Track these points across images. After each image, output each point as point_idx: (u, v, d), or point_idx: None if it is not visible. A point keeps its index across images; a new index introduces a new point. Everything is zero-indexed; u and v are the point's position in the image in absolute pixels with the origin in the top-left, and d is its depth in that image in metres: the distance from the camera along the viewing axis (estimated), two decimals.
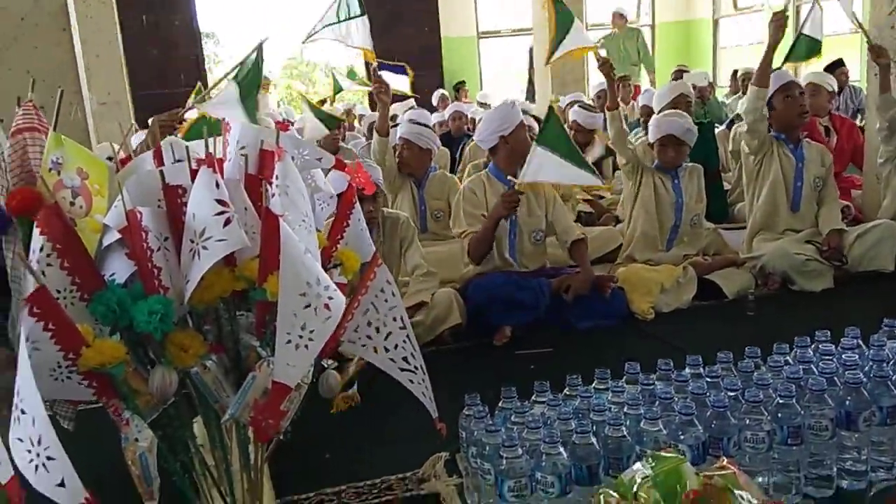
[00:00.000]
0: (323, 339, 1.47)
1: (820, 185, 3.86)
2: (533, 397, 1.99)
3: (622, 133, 3.74)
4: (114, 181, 1.57)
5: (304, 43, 4.54)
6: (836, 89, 5.34)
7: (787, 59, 4.41)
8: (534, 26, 8.79)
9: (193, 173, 1.57)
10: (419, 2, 11.20)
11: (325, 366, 1.79)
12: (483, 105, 8.84)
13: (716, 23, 11.62)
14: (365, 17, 4.26)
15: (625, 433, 1.72)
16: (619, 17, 9.82)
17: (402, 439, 2.38)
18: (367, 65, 5.44)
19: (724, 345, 2.13)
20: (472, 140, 5.42)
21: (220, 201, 1.48)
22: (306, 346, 1.44)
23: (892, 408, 1.83)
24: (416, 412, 1.80)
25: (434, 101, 9.54)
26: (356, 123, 8.22)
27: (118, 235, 1.51)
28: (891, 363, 1.93)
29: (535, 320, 3.32)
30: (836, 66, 7.26)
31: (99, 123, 5.87)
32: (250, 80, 3.41)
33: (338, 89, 7.42)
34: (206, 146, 1.63)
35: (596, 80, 8.83)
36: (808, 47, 4.40)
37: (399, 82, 6.18)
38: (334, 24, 4.31)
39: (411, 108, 7.46)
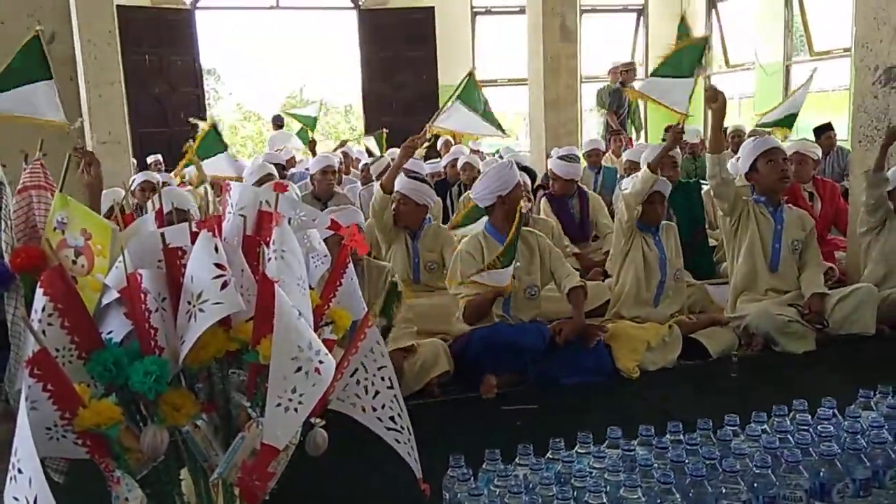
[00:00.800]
0: (312, 403, 1.52)
1: (799, 248, 3.94)
2: (516, 460, 2.02)
3: (642, 195, 3.82)
4: (116, 243, 1.63)
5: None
6: (821, 156, 5.49)
7: (763, 124, 4.50)
8: (529, 77, 8.98)
9: (194, 236, 1.63)
10: (418, 50, 11.44)
11: (313, 423, 1.83)
12: (475, 152, 8.98)
13: (708, 78, 11.88)
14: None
15: (605, 500, 1.75)
16: (615, 70, 10.03)
17: (387, 496, 2.40)
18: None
19: (707, 407, 2.18)
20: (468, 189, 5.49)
21: (218, 265, 1.54)
22: (296, 410, 1.49)
23: (865, 480, 1.87)
24: (402, 469, 1.83)
25: (438, 146, 9.73)
26: (352, 167, 8.31)
27: (117, 294, 1.56)
28: (865, 434, 1.98)
29: (534, 362, 3.38)
30: (825, 130, 7.42)
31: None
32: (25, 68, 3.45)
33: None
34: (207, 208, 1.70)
35: (587, 136, 9.05)
36: (784, 118, 4.51)
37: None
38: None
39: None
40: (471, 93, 4.50)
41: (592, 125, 13.19)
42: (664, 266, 3.86)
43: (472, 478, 1.93)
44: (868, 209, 4.06)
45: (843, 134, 7.94)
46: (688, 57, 4.06)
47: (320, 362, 1.51)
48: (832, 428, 1.99)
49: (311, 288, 1.82)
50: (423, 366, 3.31)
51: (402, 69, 11.58)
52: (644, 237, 3.88)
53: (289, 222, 1.85)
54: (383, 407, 1.85)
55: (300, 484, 1.98)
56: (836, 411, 2.13)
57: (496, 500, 1.75)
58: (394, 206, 4.25)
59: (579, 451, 2.05)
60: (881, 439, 1.93)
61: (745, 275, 3.94)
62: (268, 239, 1.67)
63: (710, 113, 3.93)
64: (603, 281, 4.52)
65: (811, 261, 3.95)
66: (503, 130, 4.35)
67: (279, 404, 1.47)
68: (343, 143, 9.83)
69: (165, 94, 10.67)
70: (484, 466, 2.00)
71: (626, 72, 9.54)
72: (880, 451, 1.92)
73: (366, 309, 2.01)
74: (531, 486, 1.87)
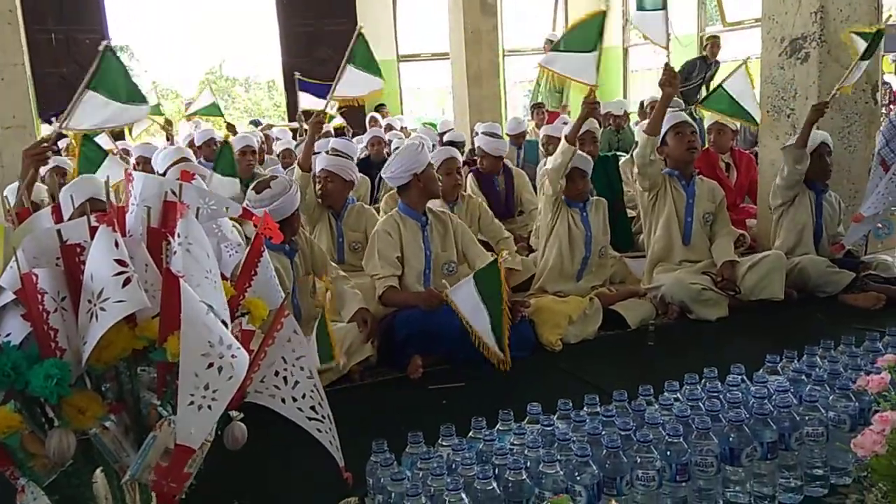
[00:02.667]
0: (227, 398, 1.48)
1: (710, 220, 4.10)
2: (439, 441, 2.04)
3: (562, 168, 3.85)
4: (9, 241, 1.55)
5: None
6: (739, 127, 5.69)
7: (702, 104, 4.58)
8: (451, 52, 8.95)
9: (93, 231, 1.56)
10: (339, 25, 11.20)
11: (232, 416, 1.80)
12: (401, 129, 8.98)
13: (626, 51, 12.09)
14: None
15: (524, 476, 1.79)
16: (550, 43, 10.10)
17: (312, 484, 2.38)
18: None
19: (627, 375, 2.23)
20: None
21: (119, 261, 1.48)
22: (209, 407, 1.45)
23: (771, 443, 1.96)
24: (325, 457, 1.82)
25: (366, 123, 9.69)
26: (273, 147, 8.14)
27: (13, 296, 1.49)
28: (771, 399, 2.07)
29: (459, 344, 3.35)
30: None
31: (3, 149, 5.68)
32: (114, 82, 3.48)
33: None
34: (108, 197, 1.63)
35: (511, 112, 9.10)
36: (731, 107, 4.60)
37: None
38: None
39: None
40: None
41: (518, 98, 13.26)
42: (589, 243, 3.94)
43: (396, 462, 1.94)
44: (788, 184, 4.14)
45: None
46: (589, 32, 4.03)
47: (233, 356, 1.48)
48: (740, 394, 2.07)
49: (225, 279, 1.78)
50: (346, 354, 3.29)
51: (322, 44, 11.33)
52: (571, 213, 3.94)
53: (197, 212, 1.80)
54: (304, 397, 1.82)
55: (220, 479, 1.95)
56: (744, 377, 2.23)
57: (419, 483, 1.77)
58: (320, 184, 4.21)
59: (500, 428, 2.08)
60: (786, 403, 2.02)
61: (662, 247, 4.07)
62: (173, 231, 1.62)
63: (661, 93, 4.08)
64: (527, 256, 4.57)
65: (721, 230, 4.10)
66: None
67: (192, 402, 1.43)
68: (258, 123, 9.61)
69: (74, 74, 10.19)
70: (407, 450, 2.02)
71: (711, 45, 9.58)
72: (786, 415, 2.01)
73: (283, 297, 1.98)
74: (453, 466, 1.89)
